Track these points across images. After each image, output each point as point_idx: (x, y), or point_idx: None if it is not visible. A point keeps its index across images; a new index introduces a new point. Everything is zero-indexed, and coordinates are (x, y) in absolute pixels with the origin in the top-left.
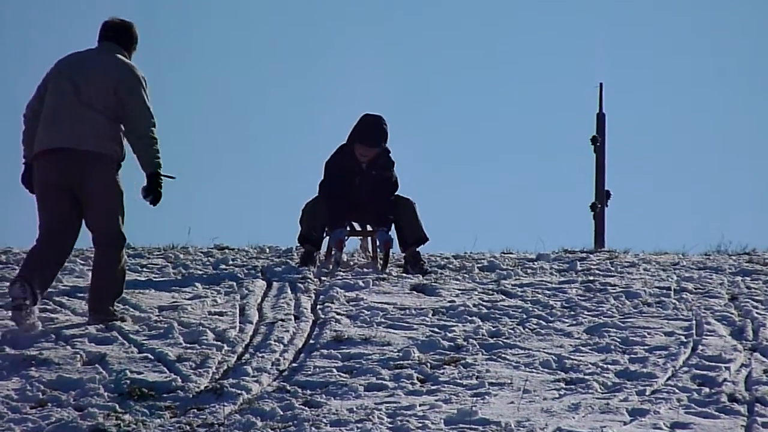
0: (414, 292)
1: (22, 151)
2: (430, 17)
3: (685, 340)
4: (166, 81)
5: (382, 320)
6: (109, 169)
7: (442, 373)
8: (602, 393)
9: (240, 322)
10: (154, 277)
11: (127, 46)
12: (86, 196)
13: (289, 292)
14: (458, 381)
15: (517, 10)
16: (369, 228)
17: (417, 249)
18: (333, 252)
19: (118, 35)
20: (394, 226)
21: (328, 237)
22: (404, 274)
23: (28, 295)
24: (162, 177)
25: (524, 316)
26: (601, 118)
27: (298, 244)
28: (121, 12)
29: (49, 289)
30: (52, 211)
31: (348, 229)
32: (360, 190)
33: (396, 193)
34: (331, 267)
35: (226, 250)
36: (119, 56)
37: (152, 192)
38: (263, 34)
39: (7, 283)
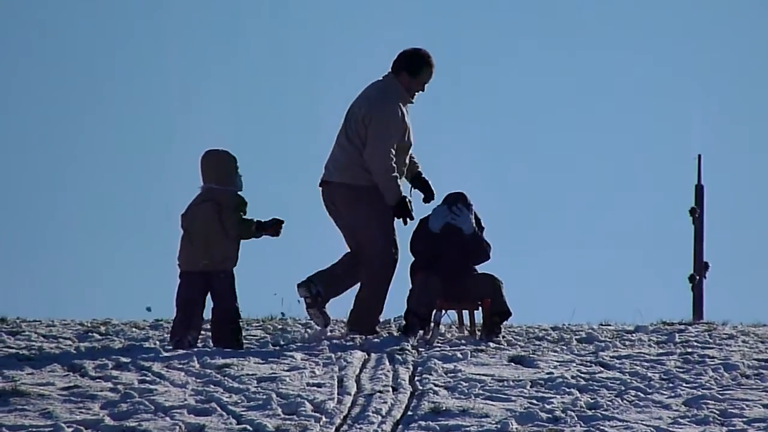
0: (512, 363)
1: None
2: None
3: None
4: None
5: (480, 392)
6: (355, 198)
7: None
8: None
9: (338, 394)
10: (253, 349)
11: (397, 72)
12: (343, 224)
13: (387, 363)
14: None
15: (613, 81)
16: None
17: (498, 319)
18: (434, 315)
19: (395, 62)
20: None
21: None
22: (501, 346)
23: (312, 295)
24: (406, 204)
25: (622, 388)
26: (699, 189)
27: (403, 319)
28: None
29: (148, 362)
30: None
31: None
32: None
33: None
34: (431, 334)
35: None
36: (380, 89)
37: (398, 215)
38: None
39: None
